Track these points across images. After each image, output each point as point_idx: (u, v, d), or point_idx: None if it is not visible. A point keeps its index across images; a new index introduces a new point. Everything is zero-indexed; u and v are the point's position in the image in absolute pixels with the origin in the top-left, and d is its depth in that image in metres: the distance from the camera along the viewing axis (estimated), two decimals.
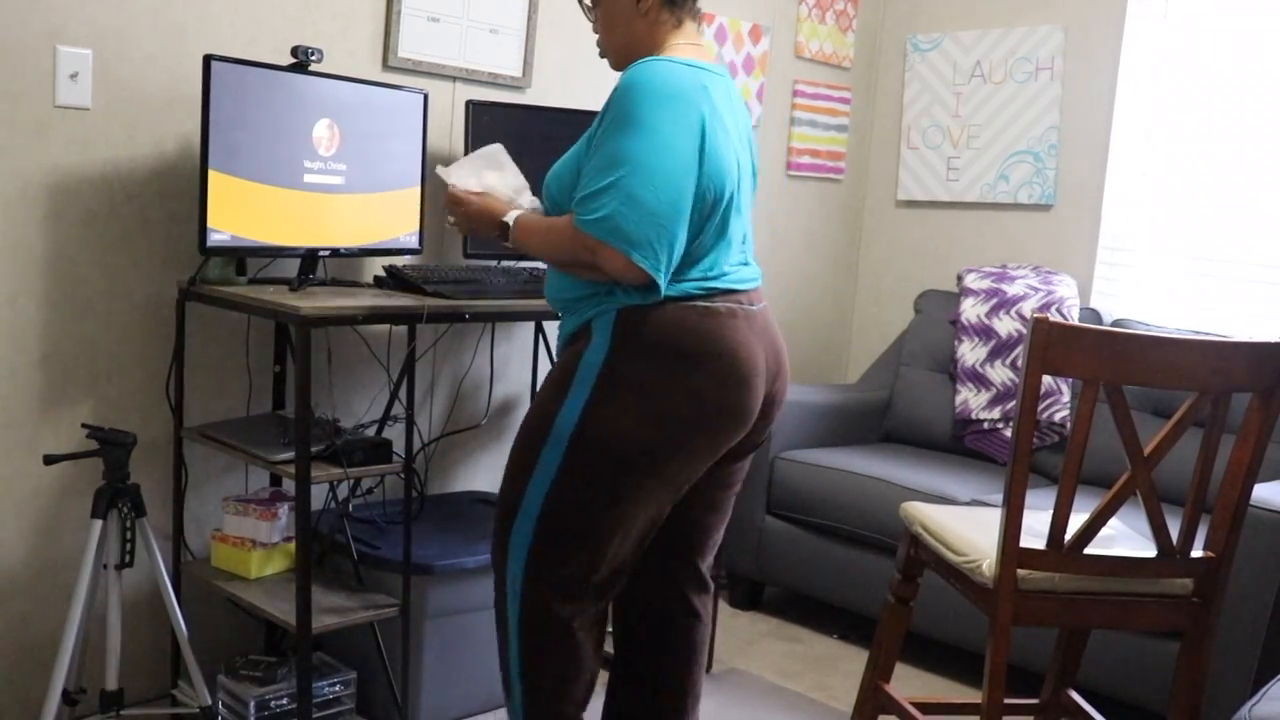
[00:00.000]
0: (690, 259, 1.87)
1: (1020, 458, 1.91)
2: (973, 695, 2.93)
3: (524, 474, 1.90)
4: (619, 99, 1.83)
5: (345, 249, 2.52)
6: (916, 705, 2.26)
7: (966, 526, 2.18)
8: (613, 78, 1.94)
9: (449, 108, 2.91)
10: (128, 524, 2.20)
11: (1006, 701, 2.06)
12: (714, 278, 1.89)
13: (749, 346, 1.89)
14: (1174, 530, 2.00)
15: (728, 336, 1.86)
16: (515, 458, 1.94)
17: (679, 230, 1.81)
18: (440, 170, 2.19)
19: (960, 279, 3.70)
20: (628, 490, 1.86)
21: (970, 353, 3.55)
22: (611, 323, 1.86)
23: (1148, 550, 2.00)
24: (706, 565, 2.16)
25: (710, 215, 1.87)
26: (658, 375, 1.83)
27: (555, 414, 1.87)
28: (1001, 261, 3.89)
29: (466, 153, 2.68)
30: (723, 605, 3.48)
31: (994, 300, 3.54)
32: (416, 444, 2.72)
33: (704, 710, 2.78)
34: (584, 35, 3.23)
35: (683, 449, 1.86)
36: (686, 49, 1.95)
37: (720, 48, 3.59)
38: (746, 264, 1.98)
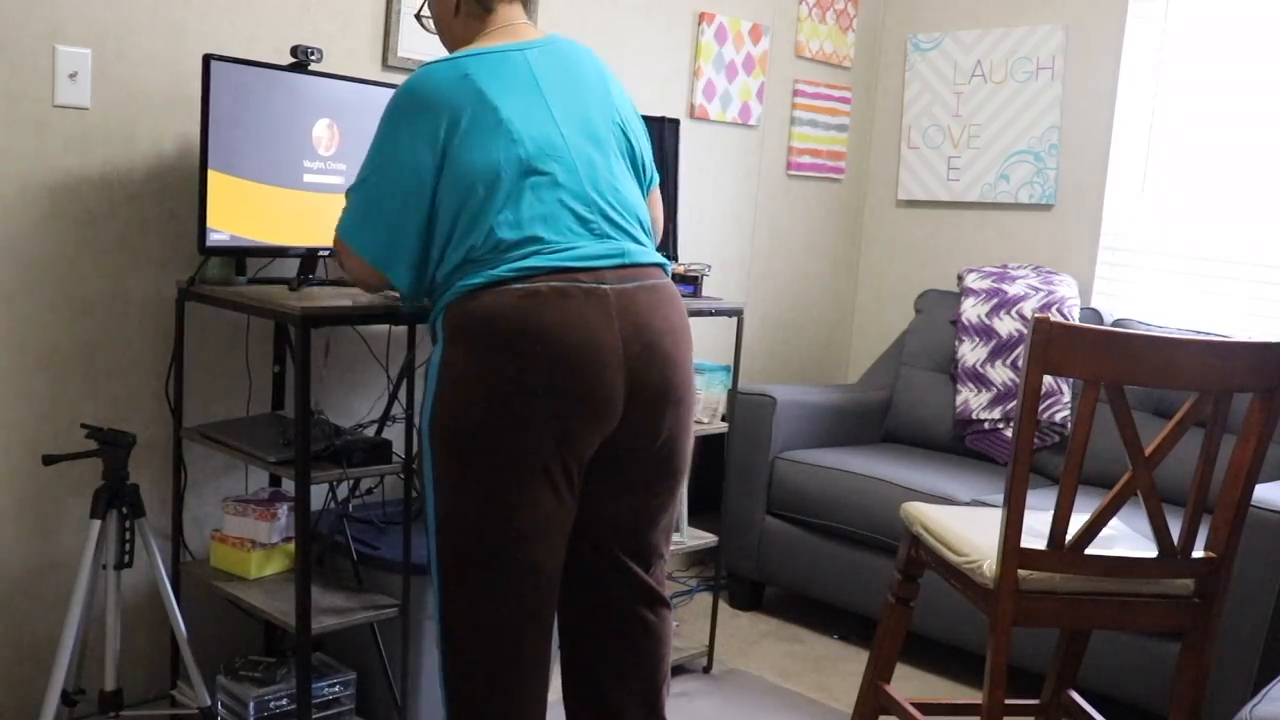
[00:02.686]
0: (501, 244, 1.83)
1: (1021, 458, 1.91)
2: (973, 696, 2.93)
3: (421, 486, 1.91)
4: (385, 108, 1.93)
5: None
6: (916, 705, 2.26)
7: (967, 526, 2.18)
8: (627, 74, 1.96)
9: None
10: (127, 524, 2.19)
11: (1007, 702, 2.06)
12: (535, 256, 1.83)
13: (585, 327, 1.81)
14: (1175, 530, 2.00)
15: (552, 318, 1.79)
16: (417, 472, 1.94)
17: (410, 235, 1.89)
18: None
19: (961, 279, 3.69)
20: (495, 488, 1.81)
21: (971, 353, 3.54)
22: (442, 320, 1.85)
23: (1149, 550, 2.00)
24: (653, 576, 2.07)
25: (485, 203, 1.84)
26: (482, 364, 1.80)
27: (421, 420, 1.88)
28: (1002, 261, 3.89)
29: None
30: (723, 605, 3.48)
31: (994, 300, 3.54)
32: (416, 444, 2.72)
33: (704, 710, 2.78)
34: (584, 35, 3.23)
35: (527, 437, 1.80)
36: (492, 36, 1.96)
37: (720, 47, 3.59)
38: (602, 239, 1.89)
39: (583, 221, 1.88)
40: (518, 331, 1.79)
